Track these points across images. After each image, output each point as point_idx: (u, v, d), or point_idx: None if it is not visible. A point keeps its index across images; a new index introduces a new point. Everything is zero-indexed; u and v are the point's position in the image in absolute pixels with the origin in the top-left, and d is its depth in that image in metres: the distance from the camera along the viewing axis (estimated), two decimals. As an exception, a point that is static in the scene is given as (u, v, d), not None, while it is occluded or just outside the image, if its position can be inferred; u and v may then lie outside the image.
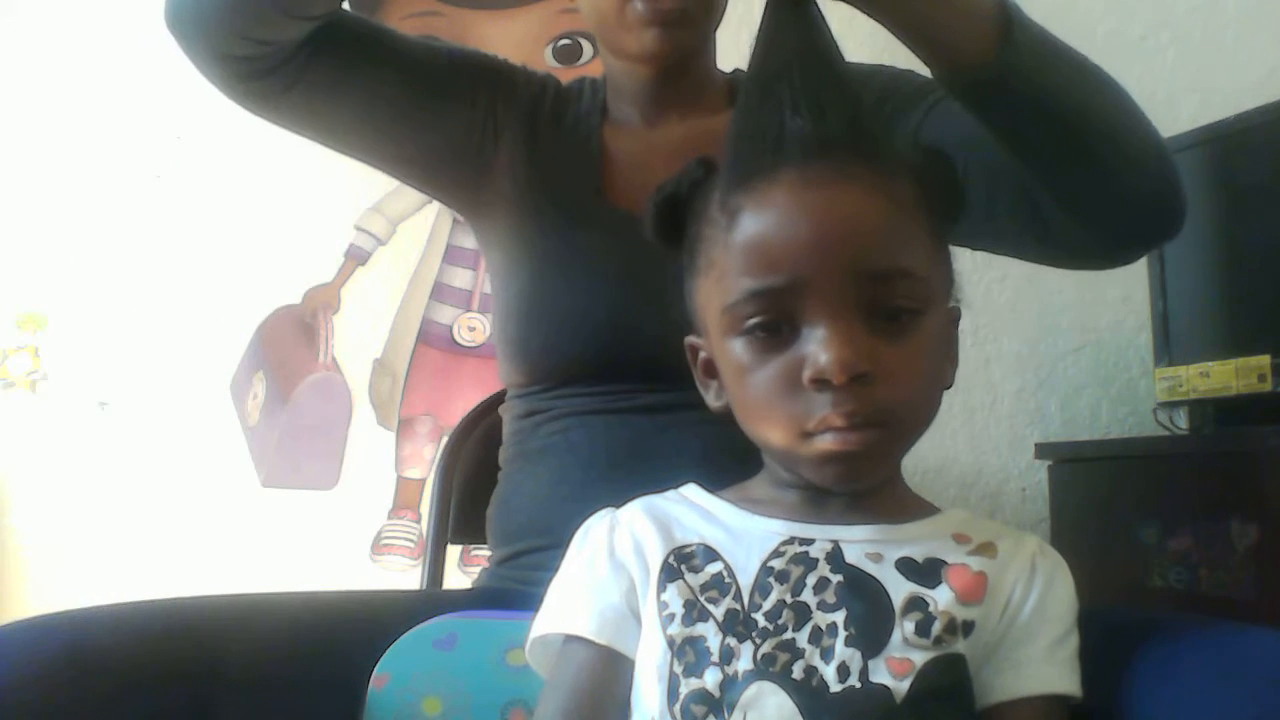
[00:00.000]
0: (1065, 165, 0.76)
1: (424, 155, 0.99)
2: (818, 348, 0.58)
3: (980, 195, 0.82)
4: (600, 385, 0.91)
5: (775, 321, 0.60)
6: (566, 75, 1.07)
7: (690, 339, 0.69)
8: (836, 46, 0.66)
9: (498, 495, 0.98)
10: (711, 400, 0.68)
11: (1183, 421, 1.47)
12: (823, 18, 0.66)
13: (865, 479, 0.62)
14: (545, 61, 1.81)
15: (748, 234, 0.61)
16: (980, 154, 0.79)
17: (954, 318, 0.68)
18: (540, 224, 0.97)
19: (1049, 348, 1.74)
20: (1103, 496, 1.44)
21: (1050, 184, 0.78)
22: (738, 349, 0.62)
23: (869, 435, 0.59)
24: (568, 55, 1.81)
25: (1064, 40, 0.76)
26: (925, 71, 0.78)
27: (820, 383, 0.58)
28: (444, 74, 0.98)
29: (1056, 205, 0.79)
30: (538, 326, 0.94)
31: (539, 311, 0.94)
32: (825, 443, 0.59)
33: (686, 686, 0.58)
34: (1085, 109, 0.75)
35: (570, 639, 0.64)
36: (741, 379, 0.62)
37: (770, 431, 0.62)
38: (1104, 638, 0.65)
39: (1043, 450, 1.54)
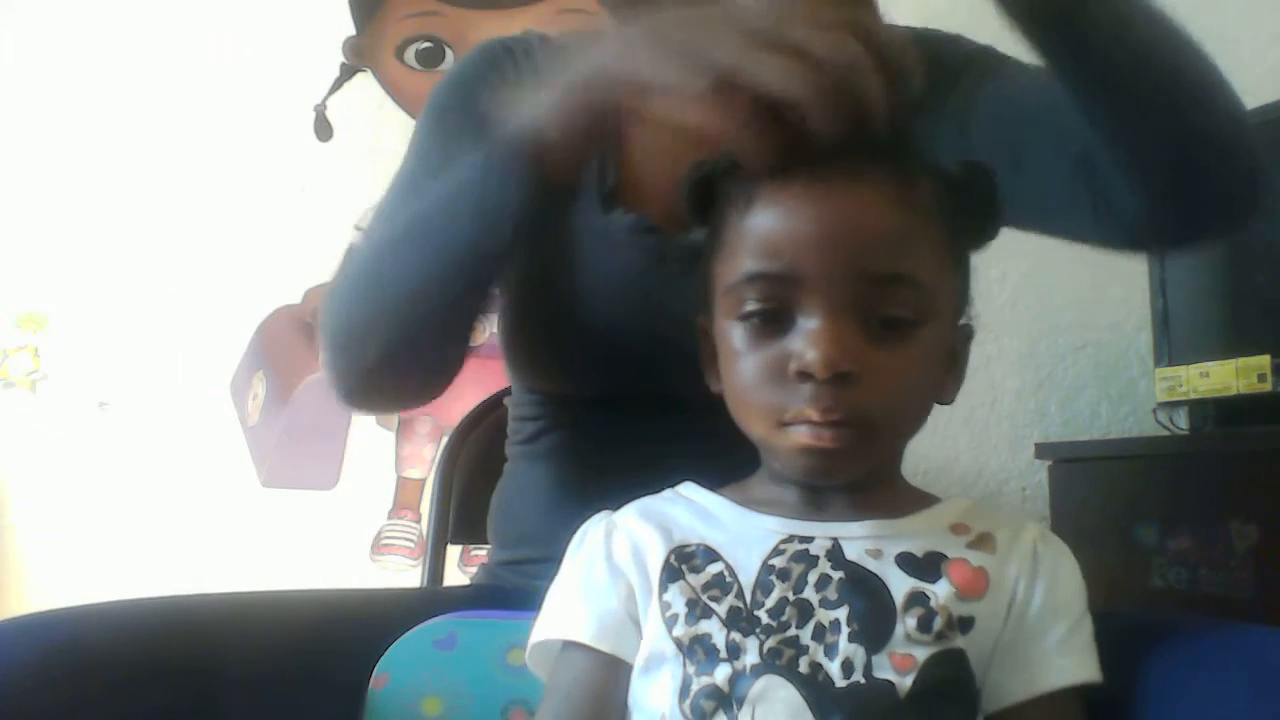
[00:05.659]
0: (1141, 125, 0.71)
1: None
2: (806, 341, 0.59)
3: (1034, 180, 0.77)
4: (605, 405, 0.87)
5: (772, 310, 0.60)
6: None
7: (702, 320, 0.68)
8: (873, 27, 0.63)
9: (501, 492, 0.96)
10: (712, 383, 0.67)
11: (1183, 421, 1.48)
12: None
13: (836, 476, 0.62)
14: (545, 61, 1.81)
15: (757, 218, 0.62)
16: (1038, 130, 0.76)
17: (965, 335, 0.67)
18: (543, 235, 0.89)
19: (1049, 348, 1.74)
20: (1103, 496, 1.44)
21: (1121, 147, 0.72)
22: (735, 333, 0.62)
23: (842, 434, 0.59)
24: (568, 55, 1.81)
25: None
26: (974, 36, 0.74)
27: (803, 375, 0.59)
28: None
29: (1124, 174, 0.73)
30: (535, 348, 0.89)
31: (538, 334, 0.89)
32: (799, 435, 0.59)
33: (697, 684, 0.58)
34: (1167, 68, 0.70)
35: (569, 644, 0.63)
36: (733, 363, 0.63)
37: (750, 418, 0.62)
38: (1118, 641, 0.64)
39: (1043, 450, 1.54)
